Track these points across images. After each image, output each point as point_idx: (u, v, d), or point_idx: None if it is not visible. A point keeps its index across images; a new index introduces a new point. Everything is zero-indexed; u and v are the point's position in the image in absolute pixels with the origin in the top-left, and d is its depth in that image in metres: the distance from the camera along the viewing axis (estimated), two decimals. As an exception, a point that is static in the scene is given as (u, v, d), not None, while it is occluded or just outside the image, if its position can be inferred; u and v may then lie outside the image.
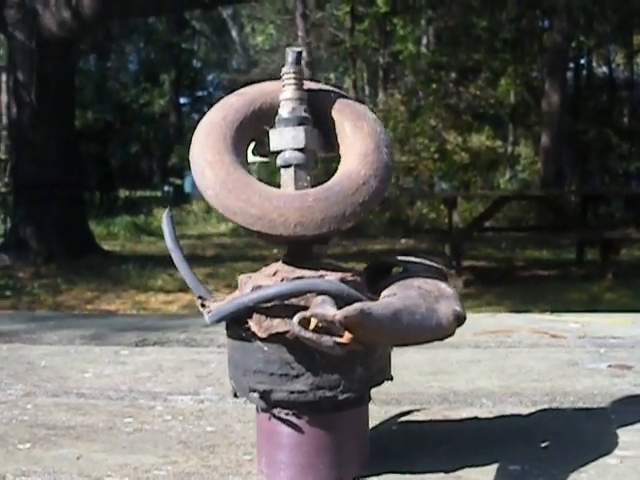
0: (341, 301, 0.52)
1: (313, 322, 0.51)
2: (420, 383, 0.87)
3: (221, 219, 12.01)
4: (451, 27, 11.68)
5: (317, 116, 0.62)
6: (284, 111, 0.60)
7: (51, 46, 6.74)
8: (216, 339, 1.15)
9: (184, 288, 6.06)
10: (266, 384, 0.57)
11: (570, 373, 0.90)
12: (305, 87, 0.62)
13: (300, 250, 0.60)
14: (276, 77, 0.64)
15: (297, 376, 0.56)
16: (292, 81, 0.61)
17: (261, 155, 0.64)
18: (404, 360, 0.99)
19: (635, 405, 0.77)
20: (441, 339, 0.56)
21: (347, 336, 0.52)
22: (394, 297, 0.55)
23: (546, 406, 0.77)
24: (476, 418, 0.74)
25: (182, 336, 1.18)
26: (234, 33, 14.37)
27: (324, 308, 0.51)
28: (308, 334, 0.50)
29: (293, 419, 0.57)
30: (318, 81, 0.68)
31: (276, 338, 0.55)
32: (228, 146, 0.60)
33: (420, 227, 10.17)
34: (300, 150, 0.60)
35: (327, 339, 0.50)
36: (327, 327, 0.51)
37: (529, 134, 13.46)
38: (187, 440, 0.69)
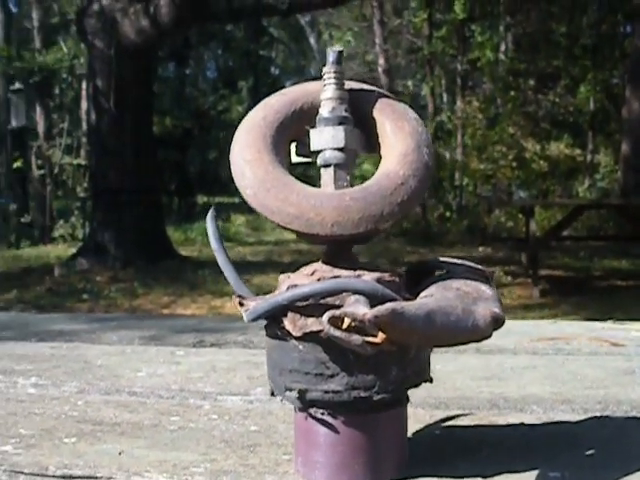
0: (376, 301, 0.52)
1: (347, 321, 0.51)
2: (471, 388, 0.86)
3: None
4: (530, 33, 11.51)
5: (358, 116, 0.62)
6: (324, 110, 0.60)
7: (129, 53, 6.89)
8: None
9: (260, 294, 6.10)
10: (301, 383, 0.57)
11: (626, 382, 0.87)
12: (346, 87, 0.62)
13: (339, 250, 0.60)
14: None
15: (332, 376, 0.56)
16: (333, 80, 0.61)
17: (304, 155, 0.64)
18: (458, 364, 0.98)
19: (691, 415, 0.75)
20: (478, 341, 0.56)
21: (380, 336, 0.51)
22: (430, 298, 0.55)
23: (598, 414, 0.76)
24: (522, 424, 0.73)
25: (240, 338, 1.19)
26: (312, 40, 14.45)
27: (356, 307, 0.51)
28: (337, 332, 0.50)
29: (329, 419, 0.57)
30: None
31: (310, 337, 0.55)
32: (267, 145, 0.60)
33: (498, 235, 10.05)
34: (340, 150, 0.60)
35: (356, 338, 0.50)
36: (361, 327, 0.51)
37: (609, 142, 13.17)
38: (230, 439, 0.70)
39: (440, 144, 10.02)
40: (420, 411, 0.78)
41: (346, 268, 0.58)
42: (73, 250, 8.58)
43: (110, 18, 6.82)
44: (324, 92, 0.61)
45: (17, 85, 9.74)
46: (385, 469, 0.58)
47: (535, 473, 0.59)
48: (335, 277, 0.56)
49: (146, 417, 0.77)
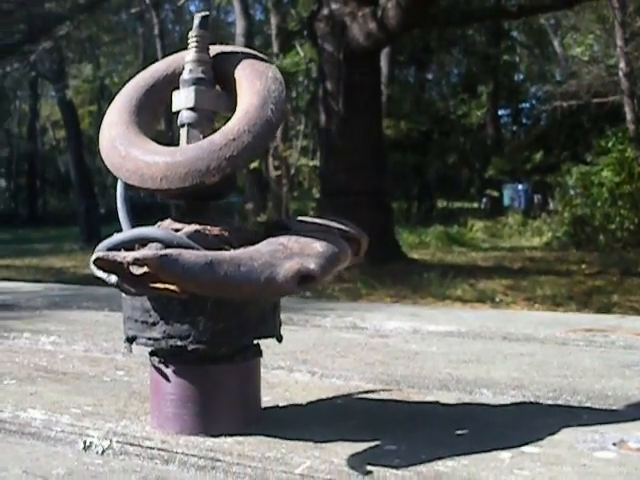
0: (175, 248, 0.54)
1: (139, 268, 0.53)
2: (436, 369, 0.83)
3: (535, 233, 11.75)
4: None
5: (224, 77, 0.63)
6: (184, 73, 0.62)
7: (357, 56, 7.04)
8: (312, 319, 1.17)
9: (482, 298, 6.05)
10: (133, 330, 0.59)
11: (610, 374, 0.80)
12: (217, 50, 0.64)
13: (192, 206, 0.61)
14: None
15: (154, 324, 0.58)
16: (194, 44, 0.62)
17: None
18: (456, 348, 0.95)
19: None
20: (278, 296, 0.55)
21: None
22: (237, 250, 0.55)
23: (543, 401, 0.71)
24: (437, 403, 0.70)
25: (282, 316, 1.20)
26: (556, 44, 14.00)
27: (141, 252, 0.53)
28: (98, 272, 0.52)
29: (162, 367, 0.59)
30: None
31: (124, 285, 0.57)
32: (131, 107, 0.63)
33: None
34: (191, 109, 0.61)
35: (112, 278, 0.52)
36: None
37: None
38: (139, 391, 0.73)
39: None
40: (364, 385, 0.77)
41: (185, 222, 0.59)
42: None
43: (339, 22, 7.02)
44: (187, 56, 0.63)
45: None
46: (219, 423, 0.59)
47: (371, 444, 0.57)
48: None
49: (97, 371, 0.82)
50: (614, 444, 0.57)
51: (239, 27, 12.14)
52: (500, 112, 16.24)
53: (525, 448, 0.56)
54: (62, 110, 13.67)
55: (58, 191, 24.20)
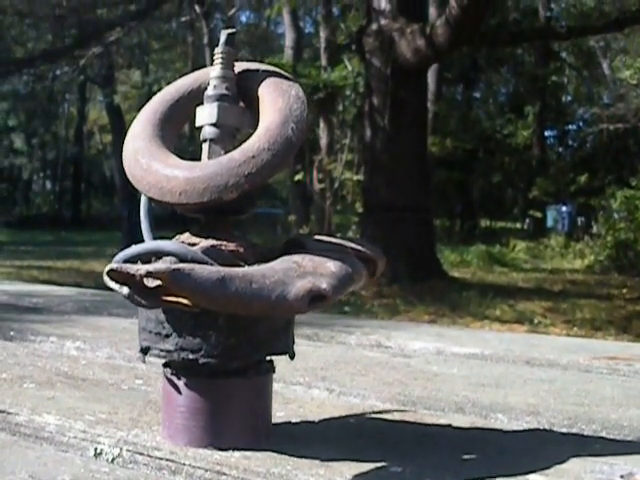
0: (189, 263, 0.54)
1: (146, 278, 0.54)
2: (453, 391, 0.83)
3: (577, 255, 11.64)
4: None
5: (248, 94, 0.64)
6: (208, 89, 0.63)
7: (405, 73, 7.04)
8: (338, 336, 1.17)
9: (521, 320, 6.00)
10: (147, 341, 0.60)
11: (629, 403, 0.80)
12: (241, 67, 0.65)
13: (210, 221, 0.62)
14: None
15: (167, 335, 0.58)
16: (219, 60, 0.63)
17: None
18: (477, 371, 0.95)
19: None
20: (289, 314, 0.56)
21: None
22: (249, 267, 0.56)
23: (563, 430, 0.70)
24: (449, 426, 0.70)
25: (308, 331, 1.21)
26: (605, 66, 13.88)
27: (154, 265, 0.53)
28: (111, 283, 0.53)
29: (174, 379, 0.60)
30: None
31: (139, 296, 0.58)
32: (155, 120, 0.64)
33: None
34: (214, 125, 0.62)
35: (124, 290, 0.53)
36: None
37: None
38: (157, 400, 0.74)
39: None
40: (379, 405, 0.77)
41: (203, 237, 0.60)
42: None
43: (388, 37, 7.02)
44: (212, 72, 0.64)
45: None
46: (228, 437, 0.59)
47: (377, 465, 0.57)
48: (184, 242, 0.59)
49: (116, 378, 0.83)
50: (621, 476, 0.56)
51: (288, 39, 12.24)
52: (546, 133, 16.12)
53: (531, 476, 0.56)
54: (109, 115, 13.85)
55: (102, 195, 24.50)
